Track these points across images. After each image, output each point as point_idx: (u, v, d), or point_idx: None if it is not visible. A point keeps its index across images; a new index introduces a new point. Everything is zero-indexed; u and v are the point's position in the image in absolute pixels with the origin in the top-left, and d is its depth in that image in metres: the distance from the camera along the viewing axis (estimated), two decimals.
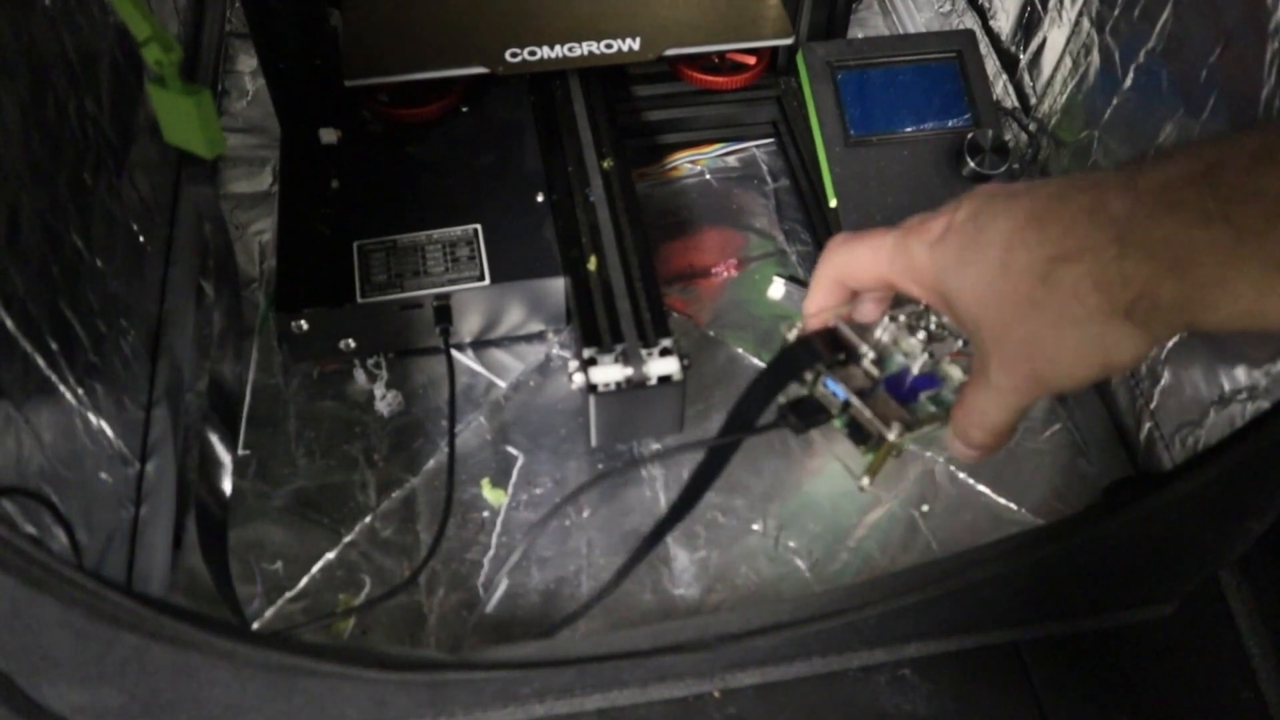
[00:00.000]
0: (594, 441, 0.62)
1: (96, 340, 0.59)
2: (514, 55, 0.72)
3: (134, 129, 0.68)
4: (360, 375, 0.69)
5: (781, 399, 0.53)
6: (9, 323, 0.49)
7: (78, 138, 0.59)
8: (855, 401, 0.50)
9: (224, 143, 0.57)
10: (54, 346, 0.54)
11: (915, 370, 0.50)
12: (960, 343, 0.51)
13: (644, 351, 0.60)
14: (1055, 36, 0.75)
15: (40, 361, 0.52)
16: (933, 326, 0.51)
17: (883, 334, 0.51)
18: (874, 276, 0.47)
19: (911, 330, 0.50)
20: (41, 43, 0.56)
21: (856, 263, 0.47)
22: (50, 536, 0.51)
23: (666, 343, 0.60)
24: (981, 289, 0.41)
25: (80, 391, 0.56)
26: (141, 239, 0.67)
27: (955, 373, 0.51)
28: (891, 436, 0.49)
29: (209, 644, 0.43)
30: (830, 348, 0.51)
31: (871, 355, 0.51)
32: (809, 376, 0.51)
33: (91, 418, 0.57)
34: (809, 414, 0.51)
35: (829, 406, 0.51)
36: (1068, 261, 0.39)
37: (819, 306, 0.50)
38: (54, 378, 0.54)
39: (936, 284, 0.43)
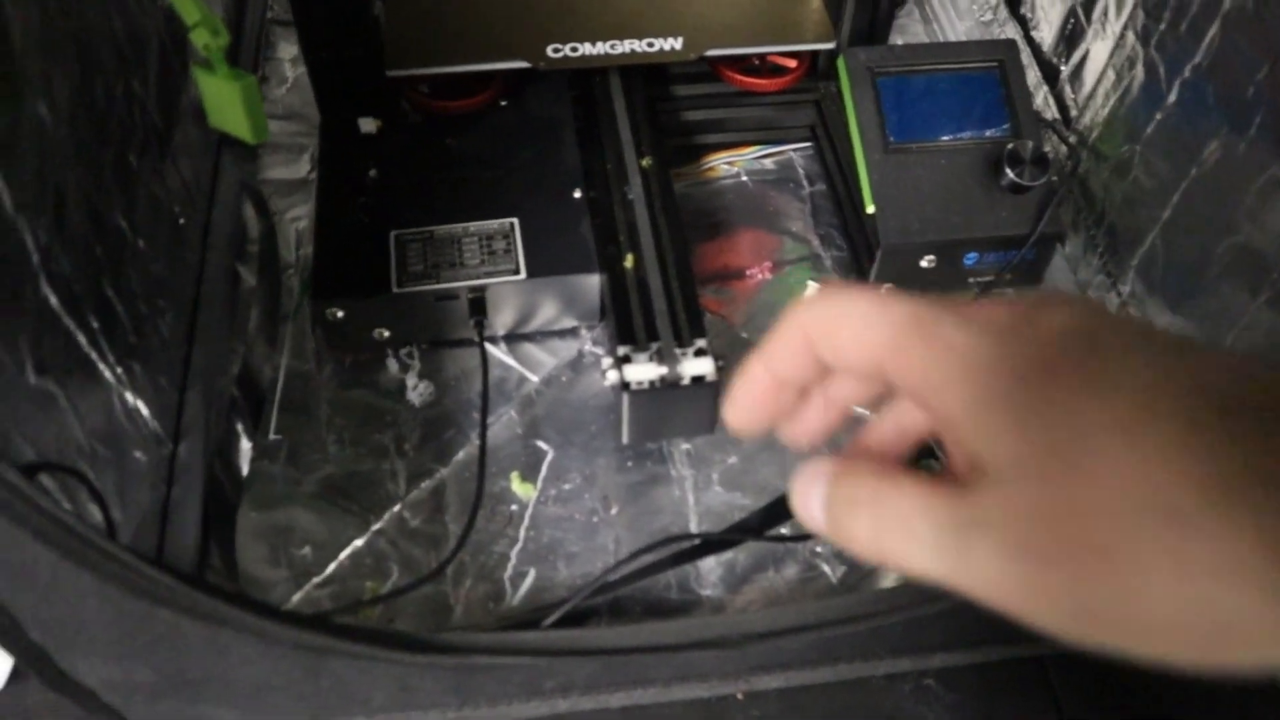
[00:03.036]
0: (625, 439, 0.62)
1: (136, 320, 0.59)
2: (556, 50, 0.72)
3: (178, 113, 0.69)
4: (393, 364, 0.69)
5: None
6: (54, 301, 0.49)
7: (124, 120, 0.60)
8: None
9: (268, 129, 0.57)
10: (95, 325, 0.54)
11: None
12: None
13: (678, 351, 0.60)
14: (1098, 49, 0.74)
15: (82, 339, 0.53)
16: None
17: None
18: (862, 351, 0.28)
19: None
20: (91, 25, 0.57)
21: (841, 323, 0.28)
22: (86, 513, 0.51)
23: (701, 343, 0.60)
24: (1062, 455, 0.24)
25: (119, 371, 0.57)
26: (182, 221, 0.68)
27: None
28: None
29: (241, 621, 0.43)
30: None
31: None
32: None
33: (129, 397, 0.58)
34: None
35: None
36: None
37: (773, 365, 0.30)
38: (94, 356, 0.54)
39: (967, 399, 0.25)
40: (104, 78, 0.58)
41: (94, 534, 0.38)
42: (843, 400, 0.32)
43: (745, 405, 0.31)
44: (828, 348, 0.29)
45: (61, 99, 0.52)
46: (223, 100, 0.55)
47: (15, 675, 0.58)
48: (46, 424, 0.49)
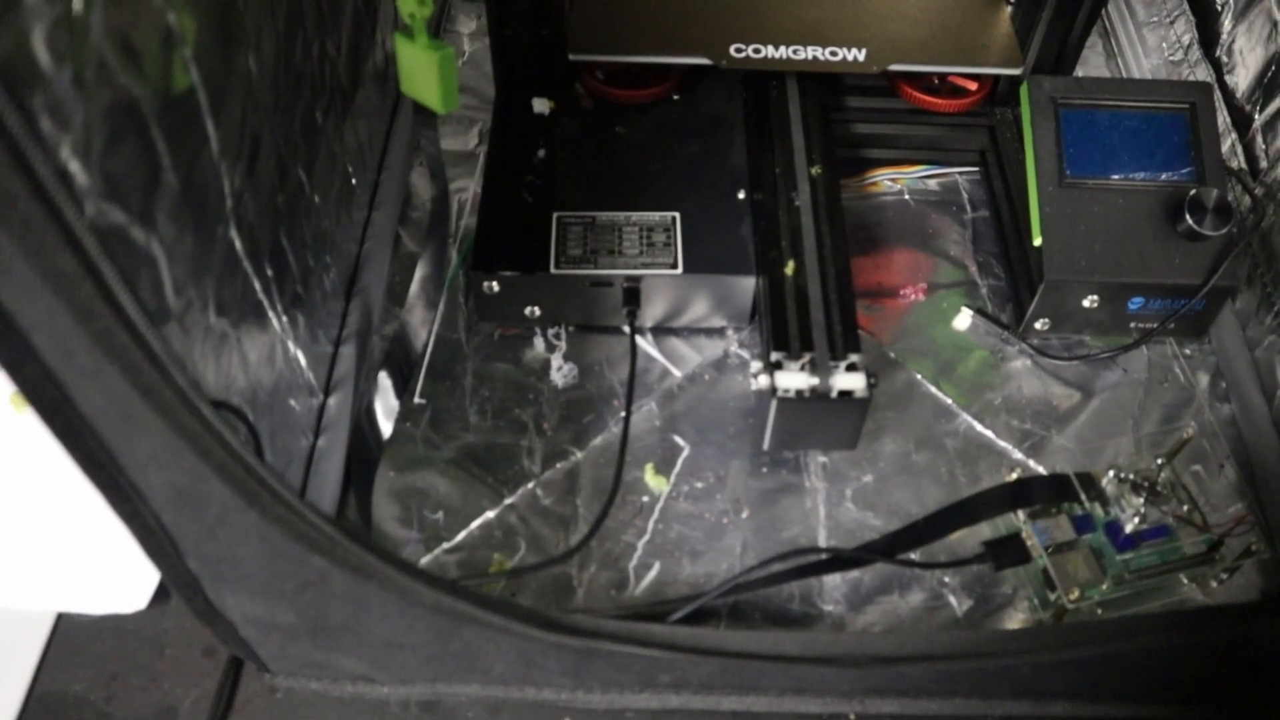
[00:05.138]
0: (765, 445, 0.62)
1: (304, 273, 0.61)
2: (739, 51, 0.72)
3: (362, 75, 0.71)
4: (539, 343, 0.70)
5: (988, 531, 0.62)
6: (239, 245, 0.51)
7: (316, 78, 0.62)
8: (1046, 562, 0.59)
9: (458, 100, 0.58)
10: (269, 273, 0.56)
11: (1127, 529, 0.55)
12: (1185, 507, 0.56)
13: (831, 363, 0.59)
14: None
15: (257, 285, 0.55)
16: (1160, 487, 0.57)
17: (1108, 486, 0.57)
18: None
19: (1136, 489, 0.56)
20: None
21: None
22: None
23: (855, 358, 0.60)
24: None
25: (285, 319, 0.58)
26: (353, 181, 0.70)
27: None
28: (1068, 602, 0.58)
29: (388, 578, 0.44)
30: (1048, 494, 0.57)
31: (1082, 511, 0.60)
32: (1021, 515, 0.58)
33: (290, 346, 0.59)
34: (1009, 555, 0.60)
35: (1031, 550, 0.60)
36: None
37: None
38: (265, 303, 0.56)
39: None
40: (304, 36, 0.59)
41: (271, 476, 0.39)
42: None
43: None
44: None
45: (267, 54, 0.54)
46: (418, 68, 0.56)
47: (156, 599, 0.60)
48: (218, 363, 0.50)
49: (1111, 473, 0.60)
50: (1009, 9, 0.77)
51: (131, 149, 0.40)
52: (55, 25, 0.34)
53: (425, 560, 0.61)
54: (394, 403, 0.67)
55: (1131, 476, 0.60)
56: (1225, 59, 0.81)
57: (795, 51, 0.72)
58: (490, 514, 0.63)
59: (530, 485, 0.64)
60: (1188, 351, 0.73)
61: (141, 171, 0.41)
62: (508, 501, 0.63)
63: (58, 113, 0.35)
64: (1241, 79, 0.78)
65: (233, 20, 0.49)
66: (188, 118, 0.45)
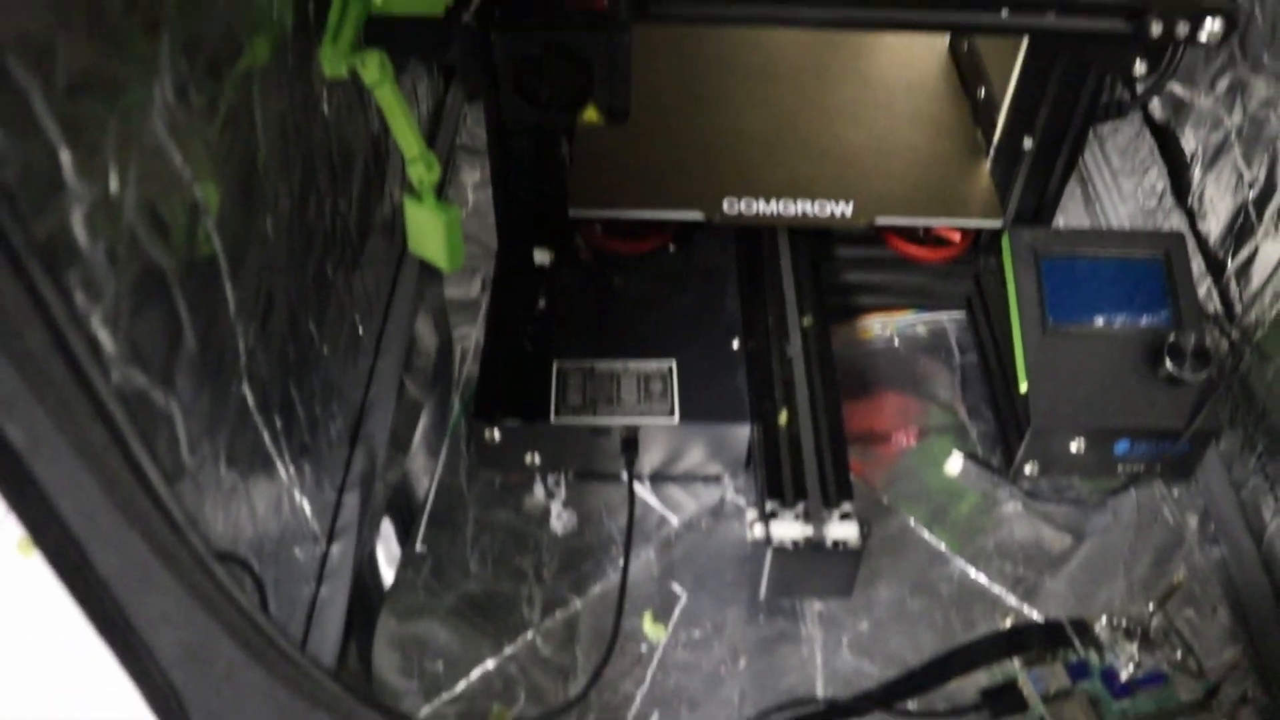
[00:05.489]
0: (762, 595, 0.62)
1: (312, 423, 0.63)
2: (731, 206, 0.75)
3: (370, 227, 0.73)
4: (539, 490, 0.71)
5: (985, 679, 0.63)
6: (251, 400, 0.53)
7: (328, 233, 0.64)
8: (1043, 711, 0.59)
9: (463, 257, 0.61)
10: (278, 425, 0.57)
11: (1123, 676, 0.57)
12: (1179, 653, 0.57)
13: (825, 512, 0.60)
14: (1270, 250, 0.74)
15: (266, 437, 0.56)
16: (1153, 634, 0.58)
17: (1101, 632, 0.58)
18: None
19: (1130, 635, 0.58)
20: (315, 146, 0.62)
21: None
22: None
23: (848, 507, 0.61)
24: None
25: (292, 469, 0.60)
26: (360, 330, 0.72)
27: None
28: None
29: None
30: (1043, 640, 0.58)
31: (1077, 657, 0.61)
32: (1017, 662, 0.59)
33: (297, 495, 0.61)
34: (1006, 704, 0.60)
35: (1028, 698, 0.60)
36: None
37: None
38: (274, 454, 0.57)
39: None
40: (317, 195, 0.62)
41: (276, 632, 0.40)
42: None
43: None
44: None
45: (283, 213, 0.56)
46: (425, 229, 0.59)
47: None
48: (227, 514, 0.51)
49: (1105, 618, 0.61)
50: (988, 162, 0.80)
51: (156, 315, 0.42)
52: (94, 206, 0.36)
53: (425, 711, 0.61)
54: (396, 550, 0.67)
55: (1124, 622, 0.61)
56: (1197, 207, 0.84)
57: (785, 206, 0.75)
58: (490, 664, 0.63)
59: (530, 634, 0.64)
60: (1176, 493, 0.74)
61: (164, 335, 0.43)
62: (507, 651, 0.63)
63: (91, 287, 0.36)
64: (1213, 226, 0.81)
65: (253, 185, 0.52)
66: (208, 282, 0.47)
